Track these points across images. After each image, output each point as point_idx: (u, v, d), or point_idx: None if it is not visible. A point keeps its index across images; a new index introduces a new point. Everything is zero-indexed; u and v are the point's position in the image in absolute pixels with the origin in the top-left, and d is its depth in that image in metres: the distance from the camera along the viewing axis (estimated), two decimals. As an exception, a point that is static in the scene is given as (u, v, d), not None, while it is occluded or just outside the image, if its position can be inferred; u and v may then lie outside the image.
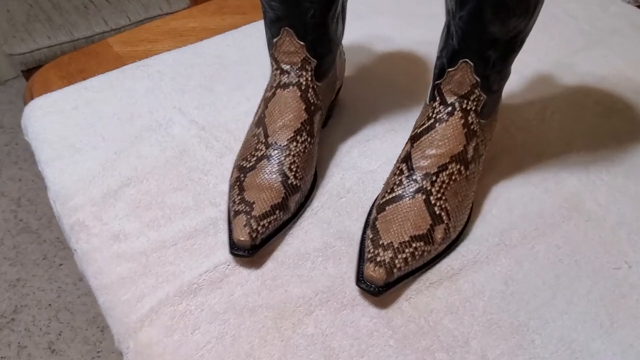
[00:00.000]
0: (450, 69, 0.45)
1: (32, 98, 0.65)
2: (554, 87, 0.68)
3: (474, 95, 0.46)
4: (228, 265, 0.47)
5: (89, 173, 0.55)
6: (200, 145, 0.59)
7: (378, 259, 0.43)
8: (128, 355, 0.42)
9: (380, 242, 0.45)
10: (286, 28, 0.47)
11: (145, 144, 0.58)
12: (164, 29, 0.77)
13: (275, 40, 0.49)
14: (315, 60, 0.49)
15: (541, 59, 0.72)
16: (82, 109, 0.63)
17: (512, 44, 0.43)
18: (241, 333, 0.43)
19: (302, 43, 0.48)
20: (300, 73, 0.49)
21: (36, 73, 0.69)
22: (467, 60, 0.44)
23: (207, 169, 0.56)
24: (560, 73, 0.70)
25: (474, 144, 0.48)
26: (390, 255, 0.44)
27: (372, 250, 0.44)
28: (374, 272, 0.43)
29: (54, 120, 0.61)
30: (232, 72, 0.69)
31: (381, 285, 0.43)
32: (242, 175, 0.50)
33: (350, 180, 0.55)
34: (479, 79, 0.44)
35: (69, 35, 1.18)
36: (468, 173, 0.48)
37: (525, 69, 0.71)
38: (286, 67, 0.50)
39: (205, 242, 0.49)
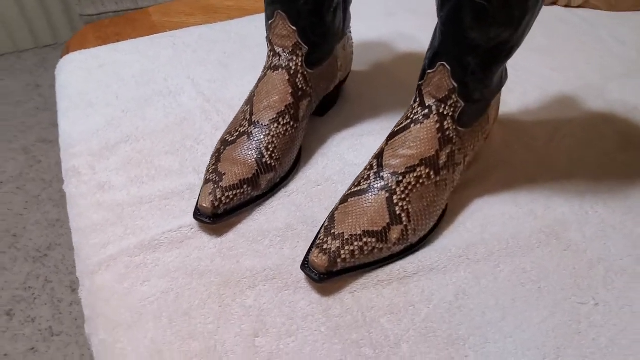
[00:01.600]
0: (429, 71, 0.45)
1: (68, 53, 0.71)
2: (574, 110, 0.65)
3: (451, 101, 0.45)
4: (191, 229, 0.50)
5: (95, 127, 0.59)
6: (202, 116, 0.61)
7: (325, 246, 0.44)
8: (82, 293, 0.46)
9: (332, 231, 0.45)
10: (279, 11, 0.48)
11: (152, 108, 0.62)
12: (201, 4, 0.81)
13: (270, 22, 0.50)
14: (307, 47, 0.50)
15: (570, 79, 0.69)
16: (107, 67, 0.67)
17: (495, 53, 0.42)
18: (185, 292, 0.45)
19: (294, 28, 0.49)
20: (290, 57, 0.51)
21: (78, 32, 0.75)
22: (444, 63, 0.43)
23: (201, 138, 0.59)
24: (587, 97, 0.67)
25: (447, 151, 0.47)
26: (337, 245, 0.44)
27: (322, 238, 0.45)
28: (317, 258, 0.43)
29: (79, 75, 0.66)
30: (252, 53, 0.71)
31: (322, 272, 0.44)
32: (222, 147, 0.52)
33: (331, 170, 0.56)
34: (456, 85, 0.43)
35: (134, 3, 1.26)
36: (438, 179, 0.47)
37: (548, 86, 0.67)
38: (278, 49, 0.51)
39: (178, 205, 0.52)
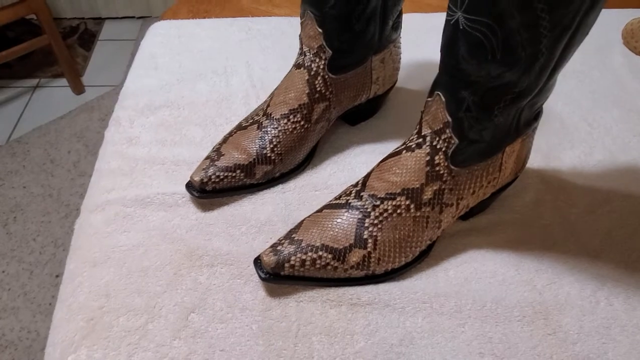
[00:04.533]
0: (428, 99, 0.42)
1: (161, 21, 0.79)
2: (639, 186, 0.55)
3: (445, 135, 0.41)
4: (182, 198, 0.53)
5: (149, 87, 0.65)
6: (242, 99, 0.64)
7: (279, 247, 0.44)
8: (76, 225, 0.52)
9: (293, 236, 0.45)
10: (309, 11, 0.49)
11: (203, 82, 0.66)
12: (291, -3, 0.84)
13: (301, 20, 0.51)
14: (331, 52, 0.50)
15: (650, 150, 0.59)
16: (183, 39, 0.74)
17: (499, 94, 0.38)
18: (152, 252, 0.48)
19: (320, 30, 0.49)
20: (313, 58, 0.51)
21: (173, 4, 0.82)
22: (440, 93, 0.40)
23: (232, 119, 0.62)
24: (665, 175, 0.56)
25: (435, 187, 0.43)
26: (290, 250, 0.43)
27: (281, 239, 0.45)
28: (266, 257, 0.43)
29: (158, 41, 0.73)
30: (317, 51, 0.72)
31: (269, 272, 0.44)
32: (235, 130, 0.54)
33: (335, 179, 0.55)
34: (450, 119, 0.40)
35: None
36: (418, 214, 0.44)
37: (620, 152, 0.58)
38: (305, 48, 0.51)
39: (183, 174, 0.55)
